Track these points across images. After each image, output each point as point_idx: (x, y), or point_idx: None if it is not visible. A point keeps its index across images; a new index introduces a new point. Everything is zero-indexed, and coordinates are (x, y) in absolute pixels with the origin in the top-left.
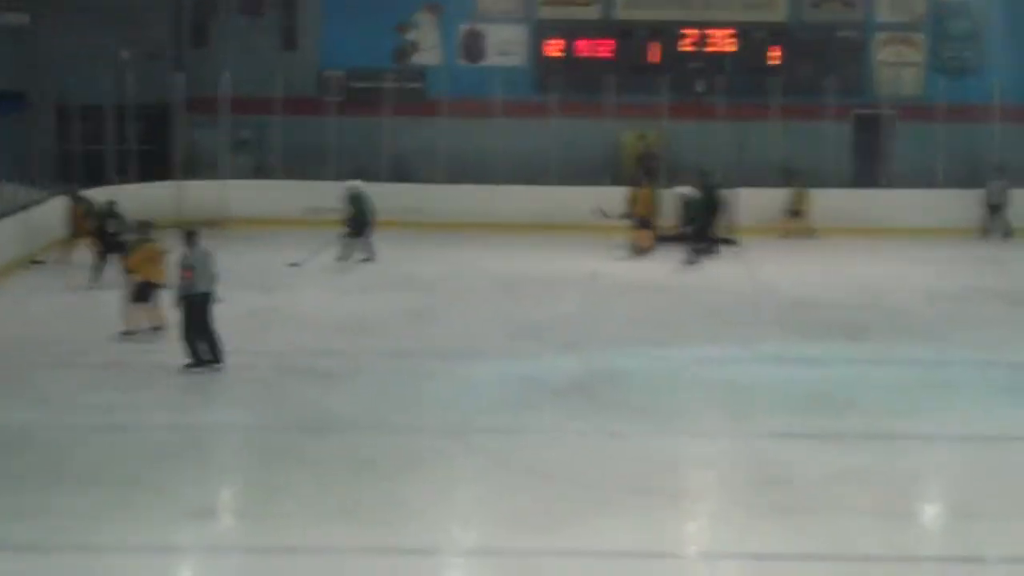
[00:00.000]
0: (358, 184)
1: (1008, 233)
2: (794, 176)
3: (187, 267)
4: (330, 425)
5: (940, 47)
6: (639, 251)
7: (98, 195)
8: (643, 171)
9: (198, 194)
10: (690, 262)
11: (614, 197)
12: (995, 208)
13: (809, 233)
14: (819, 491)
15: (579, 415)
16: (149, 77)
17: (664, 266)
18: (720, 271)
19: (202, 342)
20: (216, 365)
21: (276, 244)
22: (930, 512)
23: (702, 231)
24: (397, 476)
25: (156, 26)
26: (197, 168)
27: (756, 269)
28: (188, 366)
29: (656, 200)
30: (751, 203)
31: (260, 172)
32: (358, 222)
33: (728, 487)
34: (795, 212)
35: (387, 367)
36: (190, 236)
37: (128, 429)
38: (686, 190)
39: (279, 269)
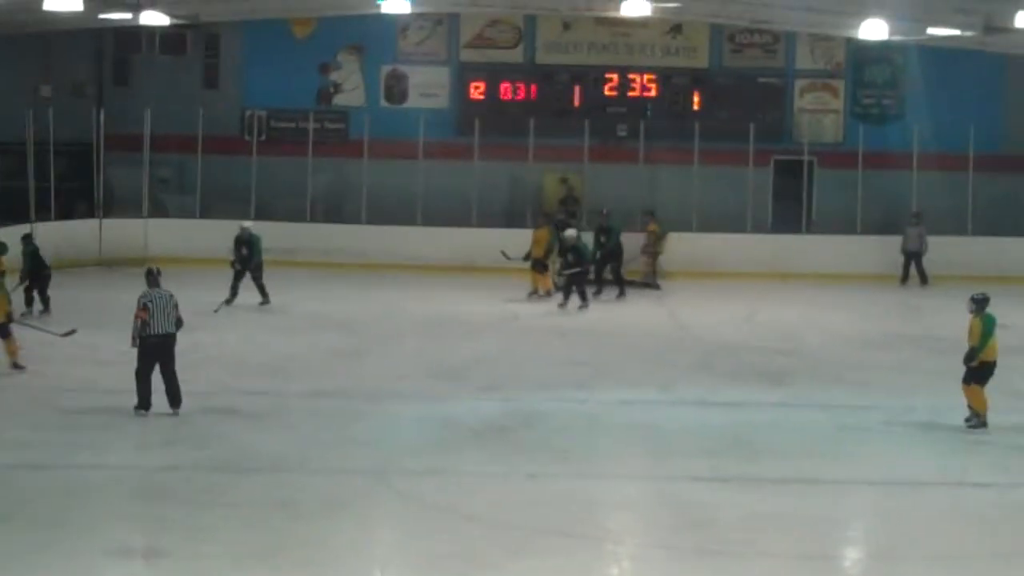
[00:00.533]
0: (249, 227)
1: (925, 280)
2: (652, 217)
3: (142, 307)
4: (253, 465)
5: (860, 94)
6: (534, 293)
7: (13, 233)
8: (540, 213)
9: (119, 232)
10: (561, 305)
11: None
12: (912, 255)
13: (662, 275)
14: (739, 534)
15: (500, 457)
16: (71, 114)
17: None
18: (642, 314)
19: (150, 385)
20: (172, 410)
21: (198, 283)
22: (849, 556)
23: (583, 274)
24: (319, 517)
25: (78, 63)
26: (119, 206)
27: (678, 312)
28: (136, 407)
29: (553, 242)
30: (669, 247)
31: (181, 211)
32: (246, 265)
33: (649, 530)
34: (652, 254)
35: (310, 408)
36: (149, 276)
37: (47, 468)
38: (571, 233)
39: (202, 308)
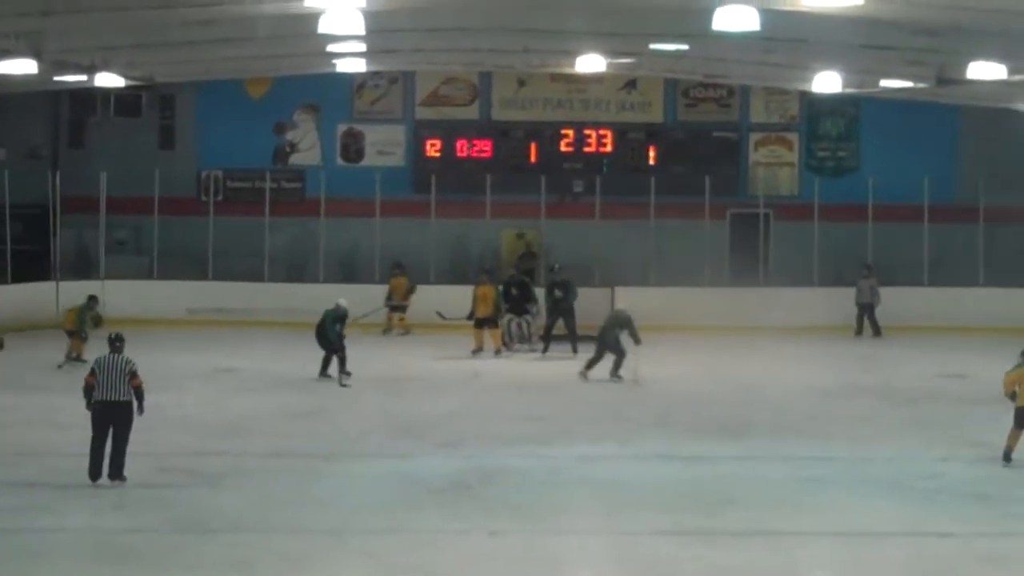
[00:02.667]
0: (346, 305)
1: (878, 331)
2: (401, 270)
3: (90, 371)
4: (213, 526)
5: (814, 147)
6: (498, 351)
7: None
8: (482, 270)
9: (76, 295)
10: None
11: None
12: (865, 307)
13: (407, 329)
14: None
15: (459, 514)
16: (26, 177)
17: (544, 364)
18: (600, 369)
19: (100, 453)
20: (110, 482)
21: (155, 345)
22: None
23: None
24: None
25: (33, 126)
26: (76, 269)
27: (637, 366)
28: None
29: (499, 299)
30: (627, 302)
31: (139, 272)
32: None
33: None
34: (395, 307)
35: (270, 468)
36: (109, 341)
37: (6, 532)
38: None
39: (160, 371)
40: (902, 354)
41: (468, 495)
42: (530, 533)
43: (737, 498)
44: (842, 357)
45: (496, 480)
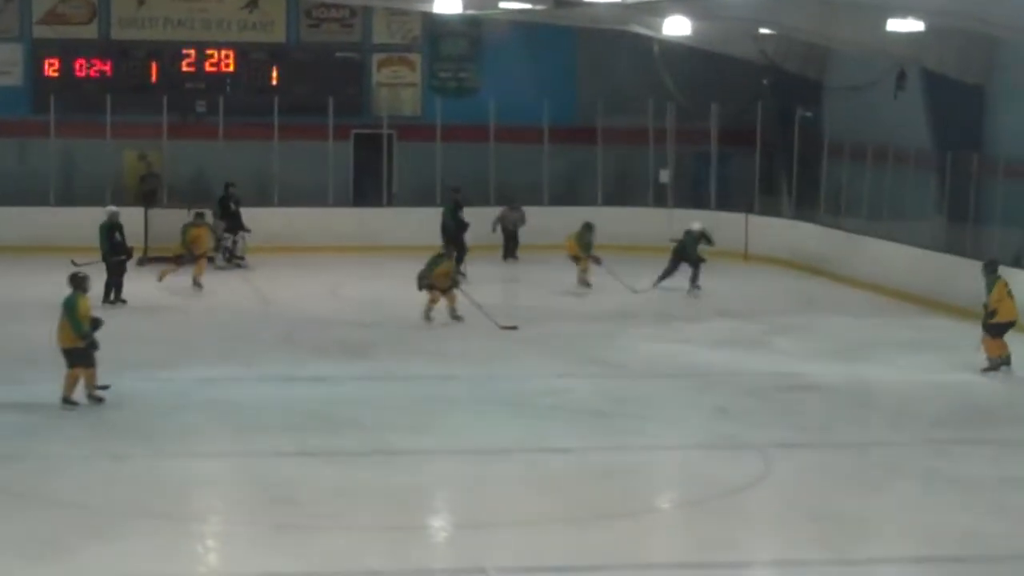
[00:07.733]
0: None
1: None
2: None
3: None
4: None
5: (436, 68)
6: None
7: None
8: (196, 213)
9: None
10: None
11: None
12: (511, 235)
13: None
14: (324, 508)
15: (82, 440)
16: None
17: (170, 287)
18: (228, 291)
19: None
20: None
21: None
22: (433, 525)
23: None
24: None
25: None
26: None
27: (263, 288)
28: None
29: (210, 236)
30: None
31: None
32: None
33: (233, 507)
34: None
35: None
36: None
37: None
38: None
39: None
40: (521, 273)
41: (91, 419)
42: (154, 457)
43: (361, 418)
44: (470, 278)
45: (121, 404)
